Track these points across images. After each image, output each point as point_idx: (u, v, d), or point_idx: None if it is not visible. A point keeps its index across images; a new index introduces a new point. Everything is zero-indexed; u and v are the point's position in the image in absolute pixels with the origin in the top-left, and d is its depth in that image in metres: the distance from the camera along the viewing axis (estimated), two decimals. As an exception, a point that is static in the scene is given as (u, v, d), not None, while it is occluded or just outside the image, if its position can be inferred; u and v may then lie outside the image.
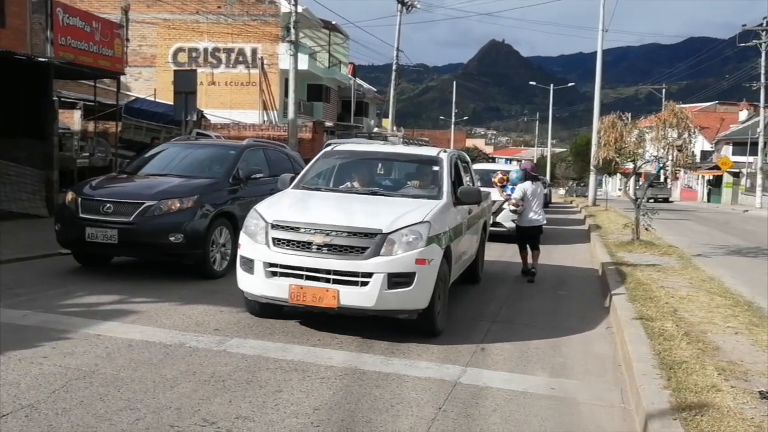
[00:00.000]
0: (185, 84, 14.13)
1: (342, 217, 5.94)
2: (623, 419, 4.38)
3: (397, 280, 5.52)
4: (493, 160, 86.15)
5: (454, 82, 79.86)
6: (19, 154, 12.56)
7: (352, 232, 5.65)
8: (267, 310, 6.27)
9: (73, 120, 26.07)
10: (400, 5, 33.18)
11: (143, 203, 7.89)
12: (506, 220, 13.88)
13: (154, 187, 8.36)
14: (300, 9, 25.40)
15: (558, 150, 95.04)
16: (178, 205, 7.98)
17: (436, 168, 7.29)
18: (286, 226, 5.81)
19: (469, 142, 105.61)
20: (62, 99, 27.50)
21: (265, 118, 33.45)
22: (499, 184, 11.03)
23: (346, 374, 4.90)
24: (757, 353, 5.51)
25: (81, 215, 7.98)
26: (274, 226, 5.85)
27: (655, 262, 10.99)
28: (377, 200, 6.66)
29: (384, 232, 5.64)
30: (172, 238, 7.84)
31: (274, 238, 5.80)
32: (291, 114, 24.91)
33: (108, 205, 7.91)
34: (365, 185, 7.22)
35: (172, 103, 17.05)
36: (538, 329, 6.73)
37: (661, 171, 14.57)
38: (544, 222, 10.33)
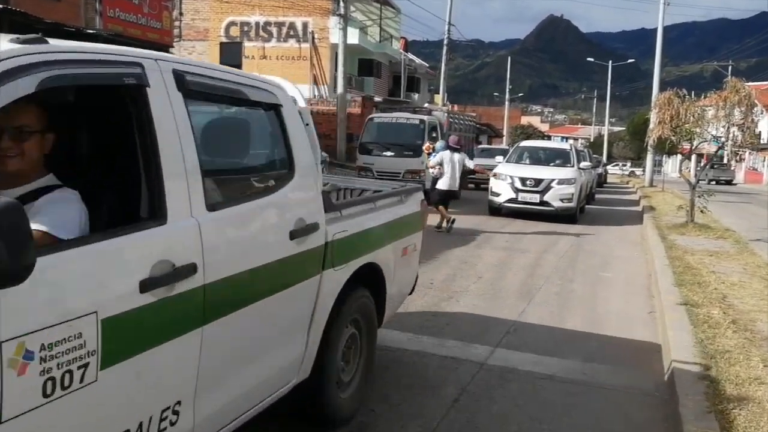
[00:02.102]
0: (231, 57, 14.17)
1: None
2: (655, 409, 4.16)
3: None
4: (548, 138, 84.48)
5: (509, 58, 78.41)
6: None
7: None
8: None
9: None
10: (453, -22, 32.54)
11: None
12: (554, 199, 13.63)
13: None
14: (351, -18, 25.18)
15: (617, 129, 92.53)
16: None
17: None
18: None
19: (525, 120, 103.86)
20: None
21: (316, 93, 33.47)
22: (427, 151, 12.91)
23: (370, 351, 4.80)
24: (810, 345, 5.17)
25: None
26: None
27: (709, 245, 10.52)
28: None
29: None
30: None
31: None
32: (340, 88, 24.87)
33: None
34: None
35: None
36: (575, 312, 6.50)
37: (724, 152, 13.94)
38: (456, 188, 11.87)
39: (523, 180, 13.76)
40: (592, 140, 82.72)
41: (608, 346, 5.43)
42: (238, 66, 14.87)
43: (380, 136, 16.36)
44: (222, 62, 14.66)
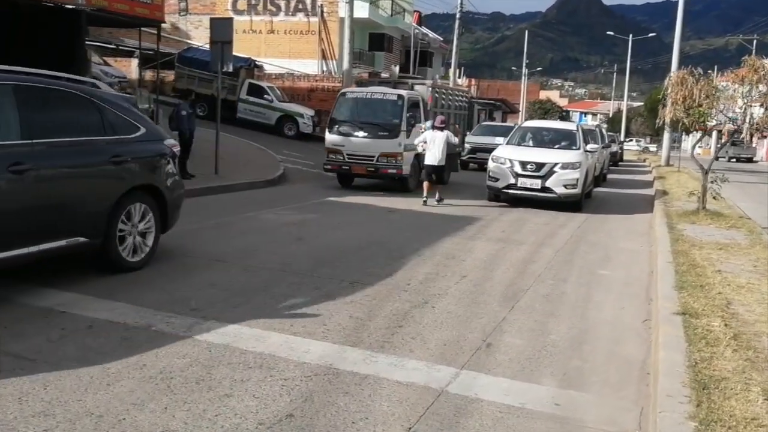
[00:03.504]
0: (221, 33, 13.51)
1: None
2: (633, 456, 3.58)
3: None
4: (567, 113, 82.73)
5: (526, 31, 76.73)
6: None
7: None
8: None
9: (130, 68, 26.17)
10: (465, -52, 31.44)
11: None
12: (557, 185, 12.88)
13: None
14: (357, -47, 24.29)
15: (636, 104, 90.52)
16: None
17: None
18: None
19: (543, 95, 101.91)
20: (121, 47, 27.57)
21: (324, 68, 32.74)
22: (421, 132, 13.62)
23: (316, 374, 4.26)
24: (821, 370, 4.54)
25: None
26: None
27: (719, 237, 9.82)
28: None
29: None
30: None
31: None
32: (346, 64, 24.18)
33: None
34: None
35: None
36: (562, 320, 5.88)
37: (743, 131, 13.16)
38: (443, 163, 12.97)
39: (523, 164, 12.89)
40: (611, 116, 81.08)
41: (592, 365, 4.83)
42: (229, 42, 14.23)
43: (353, 114, 14.50)
44: (212, 39, 14.04)
